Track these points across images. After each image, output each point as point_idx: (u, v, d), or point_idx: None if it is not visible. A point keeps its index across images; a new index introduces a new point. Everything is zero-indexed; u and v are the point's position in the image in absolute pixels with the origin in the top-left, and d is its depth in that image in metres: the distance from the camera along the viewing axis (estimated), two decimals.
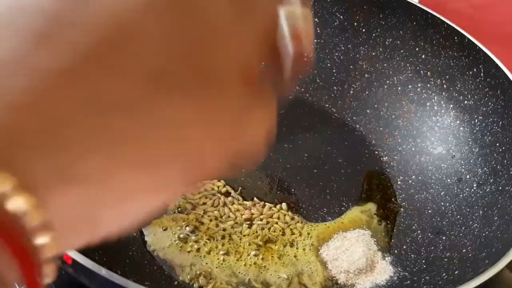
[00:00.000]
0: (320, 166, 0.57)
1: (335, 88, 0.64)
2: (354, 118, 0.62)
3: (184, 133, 0.16)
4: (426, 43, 0.60)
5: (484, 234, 0.47)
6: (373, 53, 0.63)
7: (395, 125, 0.60)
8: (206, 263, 0.46)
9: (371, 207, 0.54)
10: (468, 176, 0.54)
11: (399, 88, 0.61)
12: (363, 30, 0.63)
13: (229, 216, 0.51)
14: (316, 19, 0.64)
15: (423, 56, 0.60)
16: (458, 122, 0.57)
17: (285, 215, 0.52)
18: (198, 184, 0.24)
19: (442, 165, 0.56)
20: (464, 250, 0.47)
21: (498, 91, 0.54)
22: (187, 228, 0.49)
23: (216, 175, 0.19)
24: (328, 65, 0.65)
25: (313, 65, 0.64)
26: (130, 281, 0.33)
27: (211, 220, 0.50)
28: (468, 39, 0.57)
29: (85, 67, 0.14)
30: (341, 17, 0.64)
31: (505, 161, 0.51)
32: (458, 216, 0.51)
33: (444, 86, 0.59)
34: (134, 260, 0.46)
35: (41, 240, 0.14)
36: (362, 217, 0.53)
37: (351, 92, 0.63)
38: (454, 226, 0.50)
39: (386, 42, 0.62)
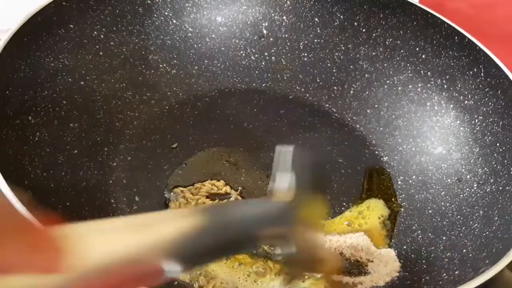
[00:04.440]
0: None
1: (335, 88, 0.64)
2: (354, 118, 0.62)
3: None
4: (426, 43, 0.60)
5: (484, 234, 0.47)
6: (373, 53, 0.63)
7: (395, 125, 0.60)
8: None
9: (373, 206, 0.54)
10: (468, 176, 0.54)
11: (399, 88, 0.61)
12: (363, 30, 0.63)
13: None
14: (316, 19, 0.64)
15: (423, 56, 0.60)
16: (458, 122, 0.57)
17: None
18: None
19: (442, 165, 0.56)
20: (464, 250, 0.47)
21: (498, 91, 0.54)
22: None
23: None
24: (328, 65, 0.65)
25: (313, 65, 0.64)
26: None
27: None
28: (468, 39, 0.57)
29: None
30: (341, 17, 0.64)
31: (505, 161, 0.51)
32: (459, 216, 0.51)
33: (445, 86, 0.59)
34: None
35: None
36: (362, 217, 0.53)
37: (351, 92, 0.63)
38: (454, 226, 0.50)
39: (386, 42, 0.62)
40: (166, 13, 0.62)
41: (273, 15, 0.65)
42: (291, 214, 0.31)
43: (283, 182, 0.31)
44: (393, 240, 0.51)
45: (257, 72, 0.65)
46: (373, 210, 0.53)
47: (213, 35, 0.65)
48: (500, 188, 0.50)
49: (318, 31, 0.65)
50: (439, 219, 0.52)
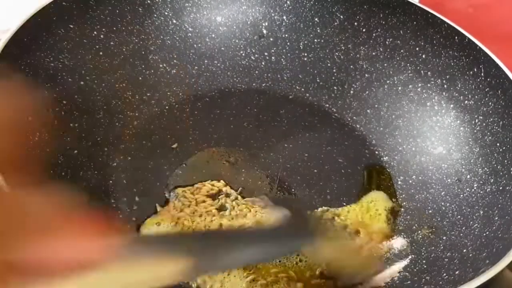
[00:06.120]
0: (320, 166, 0.57)
1: (335, 88, 0.64)
2: (354, 118, 0.62)
3: None
4: (426, 43, 0.60)
5: (484, 234, 0.47)
6: (373, 53, 0.63)
7: (395, 125, 0.60)
8: None
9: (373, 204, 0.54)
10: (468, 176, 0.54)
11: (400, 88, 0.61)
12: (363, 30, 0.63)
13: (228, 215, 0.51)
14: (316, 19, 0.64)
15: (423, 56, 0.60)
16: (458, 122, 0.57)
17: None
18: None
19: (443, 165, 0.56)
20: (464, 250, 0.47)
21: (499, 91, 0.54)
22: (186, 226, 0.49)
23: None
24: (328, 65, 0.65)
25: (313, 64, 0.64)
26: None
27: (211, 220, 0.50)
28: (468, 39, 0.57)
29: None
30: (341, 17, 0.64)
31: (505, 161, 0.51)
32: (459, 216, 0.51)
33: (445, 86, 0.59)
34: None
35: None
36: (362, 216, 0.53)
37: (351, 92, 0.63)
38: (454, 226, 0.50)
39: (386, 42, 0.62)
40: (166, 13, 0.62)
41: (273, 15, 0.65)
42: None
43: None
44: (393, 240, 0.51)
45: (257, 72, 0.65)
46: (378, 201, 0.54)
47: (213, 35, 0.65)
48: (500, 188, 0.50)
49: (318, 31, 0.65)
50: (439, 219, 0.52)
